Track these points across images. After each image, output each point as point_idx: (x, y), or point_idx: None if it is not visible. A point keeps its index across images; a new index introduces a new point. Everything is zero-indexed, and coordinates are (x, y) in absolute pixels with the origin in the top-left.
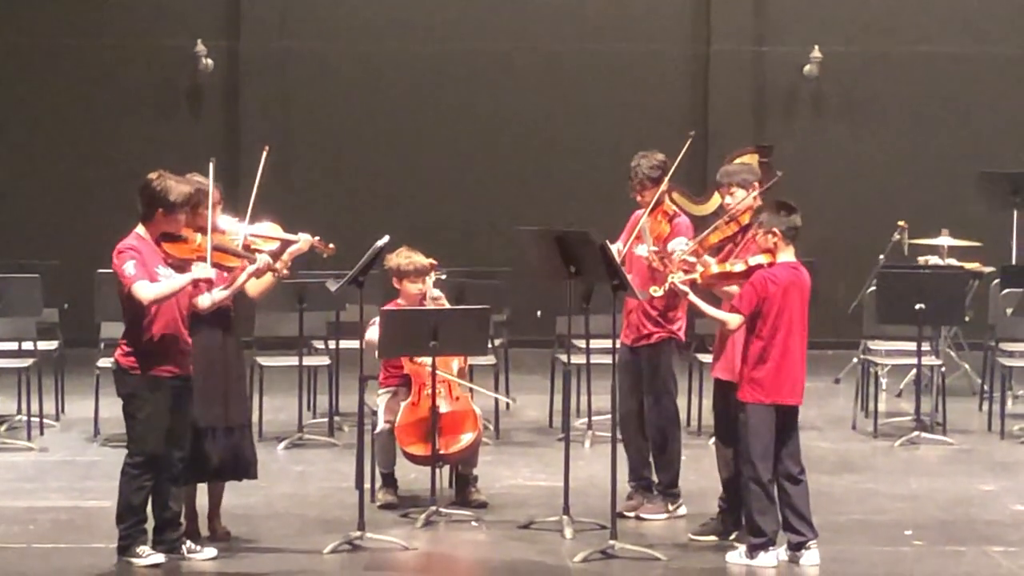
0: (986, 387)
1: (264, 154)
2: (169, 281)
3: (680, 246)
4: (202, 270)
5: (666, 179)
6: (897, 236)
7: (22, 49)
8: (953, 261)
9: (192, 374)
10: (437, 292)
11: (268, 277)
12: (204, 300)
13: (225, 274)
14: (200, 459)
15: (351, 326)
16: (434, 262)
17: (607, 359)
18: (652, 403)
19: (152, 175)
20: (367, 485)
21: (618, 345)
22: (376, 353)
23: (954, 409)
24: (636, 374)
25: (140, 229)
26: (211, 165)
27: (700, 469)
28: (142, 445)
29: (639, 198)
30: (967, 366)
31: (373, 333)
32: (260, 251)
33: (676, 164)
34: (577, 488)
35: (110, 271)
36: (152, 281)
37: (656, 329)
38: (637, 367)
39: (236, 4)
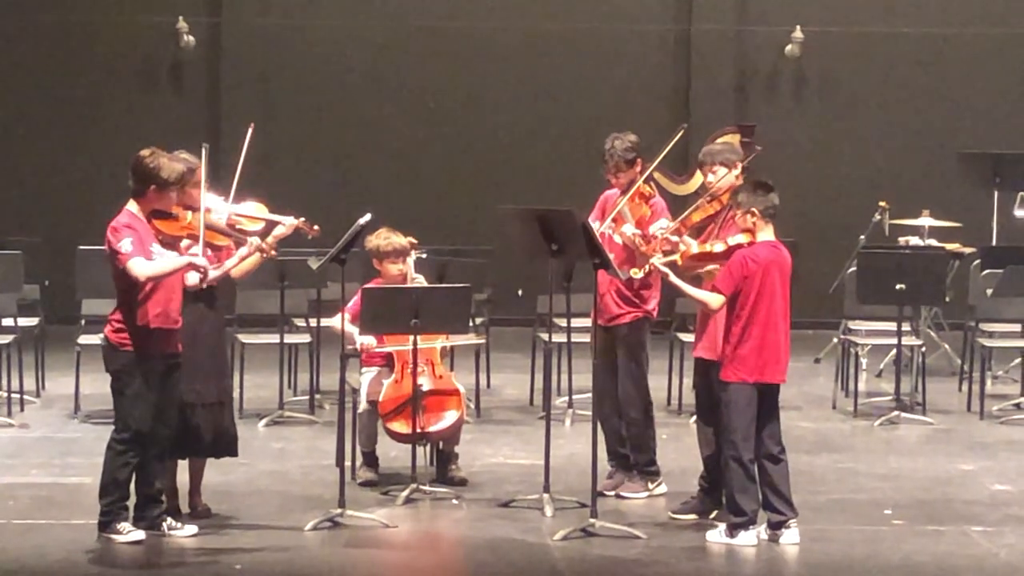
0: (966, 367)
1: (249, 131)
2: (165, 260)
3: (662, 227)
4: (200, 258)
5: (641, 161)
6: (878, 216)
7: (1, 25)
8: (934, 242)
9: (181, 352)
10: (420, 278)
11: (254, 258)
12: (192, 278)
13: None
14: (180, 436)
15: (332, 304)
16: (414, 241)
17: (588, 338)
18: (625, 382)
19: (145, 152)
20: (348, 462)
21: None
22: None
23: (934, 389)
24: (610, 353)
25: (132, 206)
26: (204, 150)
27: (680, 448)
28: (129, 421)
29: (613, 180)
30: (947, 346)
31: (336, 321)
32: (247, 231)
33: (664, 153)
34: (557, 466)
35: (92, 248)
36: (148, 259)
37: (630, 308)
38: (611, 346)
39: None
